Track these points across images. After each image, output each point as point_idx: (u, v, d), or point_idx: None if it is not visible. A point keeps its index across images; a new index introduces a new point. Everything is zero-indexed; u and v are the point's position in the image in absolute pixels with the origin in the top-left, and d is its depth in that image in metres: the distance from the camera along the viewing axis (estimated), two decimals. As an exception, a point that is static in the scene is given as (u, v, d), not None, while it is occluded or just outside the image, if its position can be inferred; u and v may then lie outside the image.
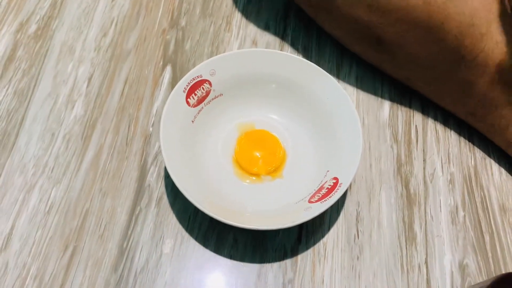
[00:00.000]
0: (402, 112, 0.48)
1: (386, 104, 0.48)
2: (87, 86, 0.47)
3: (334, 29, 0.47)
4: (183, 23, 0.51)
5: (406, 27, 0.40)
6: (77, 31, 0.50)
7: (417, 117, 0.48)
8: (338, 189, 0.37)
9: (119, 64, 0.48)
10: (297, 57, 0.43)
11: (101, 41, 0.50)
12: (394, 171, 0.45)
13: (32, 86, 0.47)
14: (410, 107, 0.48)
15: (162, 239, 0.40)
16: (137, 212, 0.41)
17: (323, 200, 0.37)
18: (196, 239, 0.41)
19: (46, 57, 0.48)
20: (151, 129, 0.45)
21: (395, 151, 0.46)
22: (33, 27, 0.50)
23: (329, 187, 0.38)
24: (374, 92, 0.48)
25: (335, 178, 0.39)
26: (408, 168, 0.45)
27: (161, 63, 0.49)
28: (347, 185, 0.38)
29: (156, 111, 0.46)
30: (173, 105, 0.40)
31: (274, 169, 0.42)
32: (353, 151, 0.39)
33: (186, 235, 0.41)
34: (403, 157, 0.46)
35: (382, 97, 0.48)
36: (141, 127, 0.45)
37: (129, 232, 0.40)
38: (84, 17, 0.51)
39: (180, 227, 0.41)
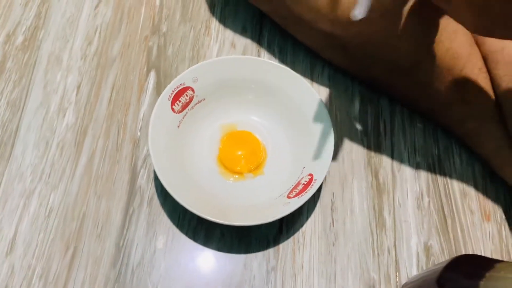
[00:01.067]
0: (371, 107, 0.52)
1: (357, 101, 0.52)
2: (76, 94, 0.50)
3: (304, 39, 0.51)
4: (164, 28, 0.54)
5: (366, 38, 0.44)
6: (63, 40, 0.52)
7: (385, 112, 0.52)
8: (313, 185, 0.41)
9: (105, 71, 0.51)
10: (273, 62, 0.47)
11: (87, 49, 0.52)
12: (365, 163, 0.49)
13: (23, 97, 0.49)
14: (378, 103, 0.52)
15: (155, 236, 0.44)
16: (130, 212, 0.45)
17: (300, 195, 0.41)
18: (187, 234, 0.44)
19: (35, 67, 0.51)
20: (139, 133, 0.48)
21: (365, 144, 0.50)
22: (20, 38, 0.52)
23: (305, 183, 0.42)
24: (345, 90, 0.52)
25: (310, 175, 0.43)
26: (377, 160, 0.49)
27: (145, 68, 0.52)
28: (321, 181, 0.42)
29: (143, 115, 0.49)
30: (159, 113, 0.43)
31: (256, 167, 0.46)
32: (326, 148, 0.43)
33: (177, 231, 0.44)
34: (373, 149, 0.50)
35: (353, 94, 0.52)
36: (129, 132, 0.48)
37: (125, 231, 0.44)
38: (68, 26, 0.53)
39: (171, 224, 0.45)
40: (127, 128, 0.49)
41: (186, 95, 0.45)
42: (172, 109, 0.45)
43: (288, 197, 0.42)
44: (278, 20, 0.51)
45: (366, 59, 0.48)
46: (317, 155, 0.44)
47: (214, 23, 0.55)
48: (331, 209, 0.47)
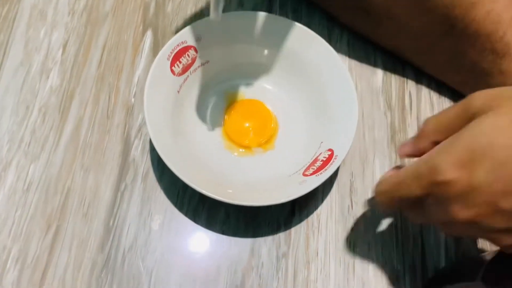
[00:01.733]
0: (395, 78, 0.46)
1: (379, 70, 0.46)
2: (62, 54, 0.44)
3: (322, 1, 0.45)
4: (163, -17, 0.48)
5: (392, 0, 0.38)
6: (47, -8, 0.46)
7: (411, 84, 0.46)
8: (333, 161, 0.36)
9: (96, 29, 0.45)
10: (290, 20, 0.41)
11: (75, 4, 0.46)
12: (388, 139, 0.43)
13: (1, 55, 0.43)
14: (403, 74, 0.46)
15: (150, 215, 0.39)
16: (122, 188, 0.39)
17: (318, 173, 0.36)
18: (186, 214, 0.39)
19: (15, 22, 0.44)
20: (133, 99, 0.43)
21: (389, 118, 0.44)
22: (-2, -11, 0.46)
23: (324, 159, 0.37)
24: (367, 58, 0.46)
25: (330, 150, 0.37)
26: (402, 136, 0.44)
27: (141, 27, 0.45)
28: (343, 157, 0.36)
29: (138, 80, 0.43)
30: (157, 74, 0.38)
31: (266, 141, 0.41)
32: (349, 121, 0.38)
33: (175, 210, 0.39)
34: (397, 124, 0.44)
35: (375, 63, 0.46)
36: (122, 98, 0.42)
37: (115, 210, 0.39)
38: (54, -23, 0.47)
39: (169, 203, 0.39)
40: (120, 93, 0.43)
41: (188, 55, 0.39)
42: (172, 70, 0.39)
43: (304, 174, 0.37)
44: None
45: (392, 25, 0.42)
46: (338, 128, 0.38)
47: (220, -21, 0.48)
48: (350, 190, 0.41)
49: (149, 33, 0.45)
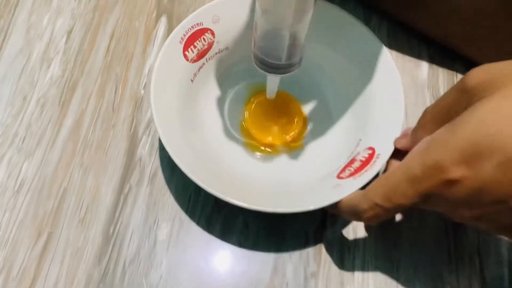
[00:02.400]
0: (443, 72, 0.40)
1: (424, 63, 0.40)
2: (66, 42, 0.39)
3: None
4: (180, -32, 0.43)
5: None
6: (54, -23, 0.42)
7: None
8: (375, 161, 0.30)
9: (104, 15, 0.40)
10: (326, 1, 0.35)
11: (83, -12, 0.42)
12: (436, 141, 0.37)
13: (0, 41, 0.39)
14: (453, 66, 0.40)
15: (156, 223, 0.33)
16: (126, 191, 0.34)
17: (356, 175, 0.30)
18: (198, 223, 0.33)
19: (17, 7, 0.40)
20: (142, 91, 0.38)
21: (437, 117, 0.38)
22: (2, -27, 0.42)
23: (363, 159, 0.31)
24: (410, 49, 0.40)
25: (371, 148, 0.31)
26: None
27: (154, 13, 0.41)
28: (387, 156, 0.30)
29: (149, 70, 0.38)
30: (167, 59, 0.32)
31: (293, 139, 0.35)
32: (393, 115, 0.32)
33: (185, 218, 0.33)
34: (446, 124, 0.38)
35: (420, 55, 0.40)
36: (130, 90, 0.38)
37: (117, 215, 0.33)
38: (63, -39, 0.43)
39: (179, 209, 0.34)
40: (128, 85, 0.38)
41: (204, 39, 0.34)
42: (185, 56, 0.34)
43: (339, 177, 0.31)
44: None
45: (442, 8, 0.36)
46: (379, 123, 0.32)
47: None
48: (392, 198, 0.35)
49: (163, 20, 0.41)
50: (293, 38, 0.28)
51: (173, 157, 0.30)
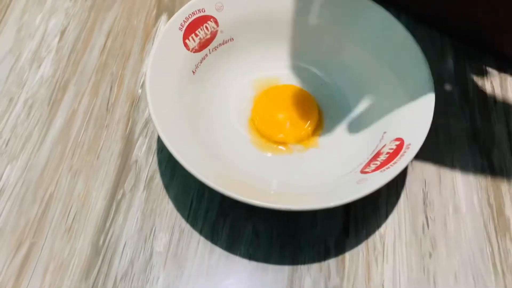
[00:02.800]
0: (470, 65, 0.36)
1: (449, 57, 0.37)
2: (59, 41, 0.36)
3: None
4: (183, -34, 0.41)
5: None
6: (50, -23, 0.40)
7: (493, 72, 0.36)
8: (405, 151, 0.26)
9: (101, 14, 0.38)
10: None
11: (80, -12, 0.39)
12: (469, 138, 0.33)
13: (-12, 41, 0.36)
14: (481, 60, 0.36)
15: (153, 232, 0.29)
16: (119, 196, 0.30)
17: (383, 168, 0.26)
18: (201, 232, 0.29)
19: (10, 7, 0.38)
20: (140, 90, 0.34)
21: (468, 113, 0.34)
22: (-5, -26, 0.40)
23: (390, 151, 0.27)
24: (433, 44, 0.37)
25: (398, 139, 0.27)
26: (487, 134, 0.33)
27: (154, 11, 0.38)
28: (419, 146, 0.26)
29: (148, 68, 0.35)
30: (165, 46, 0.29)
31: (307, 135, 0.31)
32: (421, 102, 0.28)
33: (186, 227, 0.29)
34: (479, 120, 0.34)
35: (443, 49, 0.37)
36: (127, 89, 0.34)
37: (108, 224, 0.29)
38: (59, -38, 0.41)
39: (179, 217, 0.29)
40: (124, 84, 0.34)
41: (207, 28, 0.31)
42: (185, 44, 0.30)
43: (364, 172, 0.27)
44: None
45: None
46: (405, 115, 0.28)
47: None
48: (424, 203, 0.30)
49: (163, 18, 0.38)
50: None
51: (172, 151, 0.26)
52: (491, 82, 0.36)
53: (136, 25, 0.37)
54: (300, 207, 0.24)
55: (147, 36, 0.37)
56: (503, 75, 0.36)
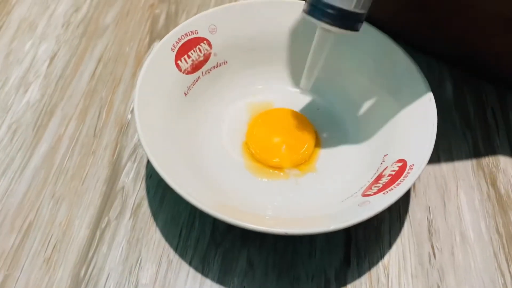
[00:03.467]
0: (470, 91, 0.35)
1: (448, 83, 0.36)
2: (48, 66, 0.35)
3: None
4: (176, -4, 0.40)
5: None
6: (42, 6, 0.39)
7: (491, 97, 0.35)
8: (408, 173, 0.24)
9: (92, 41, 0.37)
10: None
11: (72, 16, 0.39)
12: (473, 165, 0.32)
13: (-26, 66, 0.35)
14: (478, 86, 0.36)
15: (139, 263, 0.27)
16: (103, 225, 0.28)
17: (386, 190, 0.24)
18: (191, 263, 0.27)
19: (-1, 34, 0.37)
20: (129, 116, 0.33)
21: (469, 139, 0.33)
22: (-14, 3, 0.39)
23: (393, 173, 0.25)
24: (430, 72, 0.36)
25: (401, 161, 0.26)
26: (491, 161, 0.32)
27: (147, 39, 0.37)
28: (423, 166, 0.24)
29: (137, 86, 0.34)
30: (156, 66, 0.28)
31: (304, 159, 0.29)
32: (423, 123, 0.27)
33: (175, 257, 0.27)
34: (481, 146, 0.33)
35: (441, 76, 0.36)
36: (116, 114, 0.33)
37: (90, 254, 0.27)
38: (52, -9, 0.40)
39: (167, 246, 0.27)
40: (113, 109, 0.33)
41: (200, 49, 0.30)
42: (177, 66, 0.29)
43: (365, 195, 0.25)
44: None
45: (464, 27, 0.33)
46: (408, 136, 0.27)
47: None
48: (429, 231, 0.29)
49: (156, 45, 0.37)
50: None
51: (160, 172, 0.24)
52: (492, 107, 0.35)
53: (128, 52, 0.36)
54: (298, 231, 0.22)
55: (139, 63, 0.36)
56: (503, 100, 0.35)
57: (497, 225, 0.29)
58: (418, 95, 0.28)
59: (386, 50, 0.30)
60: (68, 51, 0.36)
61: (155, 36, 0.38)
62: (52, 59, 0.36)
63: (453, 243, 0.28)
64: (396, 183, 0.24)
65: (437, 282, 0.27)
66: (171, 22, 0.39)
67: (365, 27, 0.31)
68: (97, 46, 0.37)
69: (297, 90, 0.32)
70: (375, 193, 0.24)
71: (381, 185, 0.25)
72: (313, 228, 0.22)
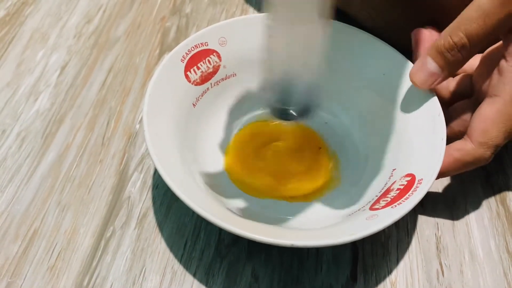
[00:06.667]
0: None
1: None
2: (59, 76, 0.36)
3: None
4: (187, 9, 0.41)
5: None
6: (55, 17, 0.40)
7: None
8: (417, 186, 0.24)
9: (103, 51, 0.37)
10: (341, 23, 0.32)
11: (84, 28, 0.39)
12: (482, 182, 0.31)
13: (-14, 75, 0.35)
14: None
15: (142, 274, 0.26)
16: (108, 234, 0.28)
17: (394, 203, 0.24)
18: (195, 275, 0.26)
19: (12, 43, 0.38)
20: (137, 126, 0.33)
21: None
22: (0, 13, 0.40)
23: (401, 187, 0.25)
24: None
25: (410, 175, 0.25)
26: (501, 178, 0.31)
27: (157, 51, 0.38)
28: (432, 180, 0.24)
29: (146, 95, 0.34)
30: (166, 76, 0.28)
31: (320, 186, 0.29)
32: (432, 137, 0.26)
33: (179, 268, 0.27)
34: (491, 164, 0.32)
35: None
36: (124, 124, 0.33)
37: (94, 263, 0.27)
38: (66, 3, 0.41)
39: (172, 257, 0.27)
40: (122, 119, 0.33)
41: (209, 61, 0.30)
42: (187, 76, 0.29)
43: (373, 208, 0.25)
44: None
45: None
46: (417, 150, 0.27)
47: (254, 7, 0.41)
48: (437, 248, 0.28)
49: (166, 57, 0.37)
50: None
51: (167, 181, 0.24)
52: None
53: (138, 63, 0.37)
54: (305, 243, 0.22)
55: (149, 74, 0.36)
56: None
57: (507, 244, 0.29)
58: (427, 110, 0.28)
59: (395, 64, 0.30)
60: (79, 62, 0.37)
61: (165, 48, 0.38)
62: (63, 69, 0.36)
63: (462, 261, 0.28)
64: (404, 197, 0.24)
65: (445, 300, 0.26)
66: (182, 35, 0.39)
67: (375, 42, 0.31)
68: (108, 57, 0.37)
69: (312, 108, 0.32)
70: (383, 207, 0.24)
71: (389, 199, 0.24)
72: (320, 240, 0.22)
